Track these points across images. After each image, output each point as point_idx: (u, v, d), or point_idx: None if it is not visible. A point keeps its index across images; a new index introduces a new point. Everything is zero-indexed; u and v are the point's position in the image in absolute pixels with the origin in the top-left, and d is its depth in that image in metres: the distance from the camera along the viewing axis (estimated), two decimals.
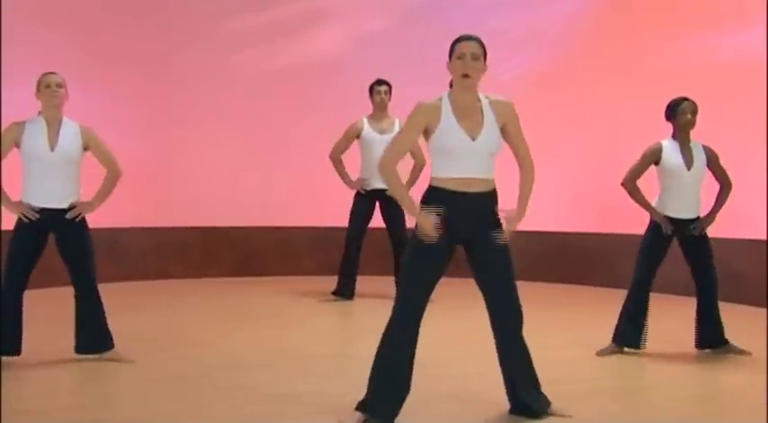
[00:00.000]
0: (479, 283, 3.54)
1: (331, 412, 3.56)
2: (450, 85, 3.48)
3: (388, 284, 6.17)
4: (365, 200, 6.94)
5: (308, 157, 8.20)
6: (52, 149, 4.37)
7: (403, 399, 3.46)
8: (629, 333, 4.96)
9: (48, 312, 5.47)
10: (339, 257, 7.06)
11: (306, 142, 8.39)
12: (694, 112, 4.90)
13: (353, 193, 6.98)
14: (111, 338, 4.62)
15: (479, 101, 3.46)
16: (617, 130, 7.81)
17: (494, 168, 3.48)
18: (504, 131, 3.48)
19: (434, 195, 3.43)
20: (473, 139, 3.38)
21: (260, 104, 8.58)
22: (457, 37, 3.46)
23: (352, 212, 6.99)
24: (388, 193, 6.81)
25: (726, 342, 5.01)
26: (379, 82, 6.99)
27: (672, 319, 5.99)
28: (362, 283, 7.00)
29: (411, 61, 8.50)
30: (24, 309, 4.48)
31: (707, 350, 5.02)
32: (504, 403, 3.67)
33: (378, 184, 6.77)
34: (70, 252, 4.49)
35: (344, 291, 6.96)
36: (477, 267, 3.52)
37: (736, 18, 7.26)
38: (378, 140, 6.76)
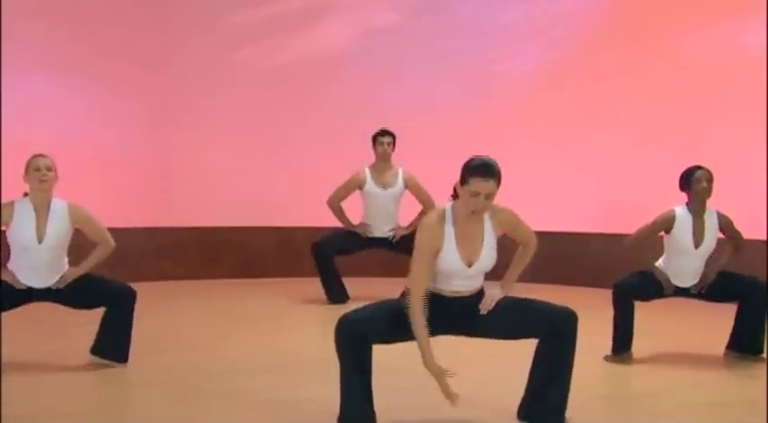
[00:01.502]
0: (509, 338, 3.54)
1: (331, 420, 3.55)
2: (454, 196, 3.43)
3: (390, 286, 6.15)
4: (357, 239, 6.96)
5: (311, 156, 8.21)
6: (40, 242, 4.33)
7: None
8: (626, 339, 4.92)
9: (37, 315, 5.48)
10: (342, 258, 7.05)
11: (308, 140, 8.40)
12: (710, 179, 4.87)
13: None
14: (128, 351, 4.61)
15: (482, 218, 3.44)
16: (631, 128, 7.79)
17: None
18: (507, 232, 3.53)
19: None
20: (469, 266, 3.41)
21: (261, 102, 8.58)
22: (474, 165, 3.33)
23: (336, 236, 6.98)
24: (391, 238, 6.86)
25: (760, 351, 4.92)
26: (383, 133, 6.93)
27: (684, 322, 5.98)
28: (364, 284, 7.00)
29: (416, 57, 8.50)
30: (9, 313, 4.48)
31: (729, 356, 4.98)
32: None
33: (379, 233, 6.86)
34: (85, 300, 4.52)
35: (336, 298, 6.89)
36: (491, 333, 3.53)
37: (758, 10, 7.23)
38: (380, 195, 6.85)
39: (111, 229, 7.70)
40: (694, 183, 4.87)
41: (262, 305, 6.97)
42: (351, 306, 6.80)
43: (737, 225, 5.03)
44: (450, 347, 5.15)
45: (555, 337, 3.42)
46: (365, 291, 7.00)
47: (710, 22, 7.47)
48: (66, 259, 4.51)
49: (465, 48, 8.35)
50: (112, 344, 4.54)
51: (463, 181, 3.35)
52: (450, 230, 3.39)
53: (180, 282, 8.01)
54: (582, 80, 8.12)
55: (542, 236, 8.03)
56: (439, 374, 3.39)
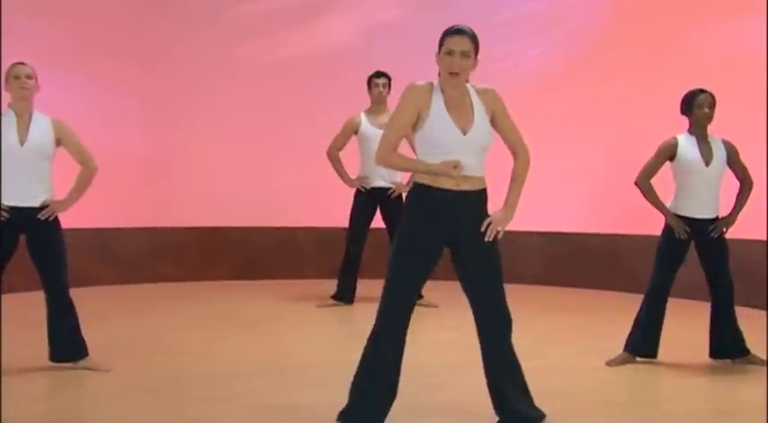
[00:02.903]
0: (464, 287, 3.51)
1: None
2: (440, 75, 3.44)
3: None
4: (366, 198, 6.92)
5: (313, 153, 8.18)
6: (22, 144, 4.36)
7: (389, 405, 3.47)
8: (643, 342, 4.90)
9: (19, 317, 5.49)
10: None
11: (310, 137, 8.36)
12: (712, 104, 4.81)
13: (354, 191, 6.98)
14: (85, 346, 4.58)
15: (467, 92, 3.45)
16: (642, 126, 7.73)
17: (485, 165, 3.47)
18: (492, 120, 3.47)
19: (421, 194, 3.42)
20: (464, 133, 3.36)
21: (262, 100, 8.59)
22: (447, 28, 3.41)
23: (353, 212, 6.99)
24: (390, 193, 6.87)
25: (746, 352, 4.94)
26: (378, 74, 6.97)
27: (690, 326, 5.94)
28: (363, 285, 6.97)
29: (419, 53, 8.41)
30: None
31: (725, 361, 4.96)
32: None
33: (379, 182, 6.78)
34: (41, 253, 4.47)
35: (344, 295, 6.94)
36: (463, 270, 3.49)
37: None
38: (377, 137, 6.68)
39: (108, 230, 7.87)
40: (695, 108, 4.81)
41: (260, 307, 6.98)
42: (354, 310, 6.87)
43: (736, 225, 4.98)
44: (437, 352, 5.16)
45: (488, 338, 3.47)
46: (367, 292, 7.01)
47: (718, 19, 7.44)
48: (50, 179, 4.49)
49: None
50: (65, 345, 4.53)
51: (439, 47, 3.38)
52: (438, 97, 3.39)
53: (179, 283, 8.04)
54: (587, 78, 8.11)
55: (546, 237, 8.19)
56: (439, 166, 3.34)
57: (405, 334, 3.45)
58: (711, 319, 4.97)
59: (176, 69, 8.44)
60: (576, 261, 8.19)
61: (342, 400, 3.69)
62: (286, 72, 8.65)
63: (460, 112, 3.39)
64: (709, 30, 7.52)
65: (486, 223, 3.40)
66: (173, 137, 8.43)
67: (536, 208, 7.76)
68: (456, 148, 3.36)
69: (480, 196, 3.46)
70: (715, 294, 4.95)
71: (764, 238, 6.65)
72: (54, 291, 4.49)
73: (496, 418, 3.61)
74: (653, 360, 4.92)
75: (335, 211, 7.71)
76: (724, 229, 4.91)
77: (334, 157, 6.97)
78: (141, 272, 8.06)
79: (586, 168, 8.10)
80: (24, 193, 4.39)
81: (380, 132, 6.57)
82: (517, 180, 3.52)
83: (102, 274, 7.65)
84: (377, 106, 6.97)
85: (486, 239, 3.39)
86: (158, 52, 8.36)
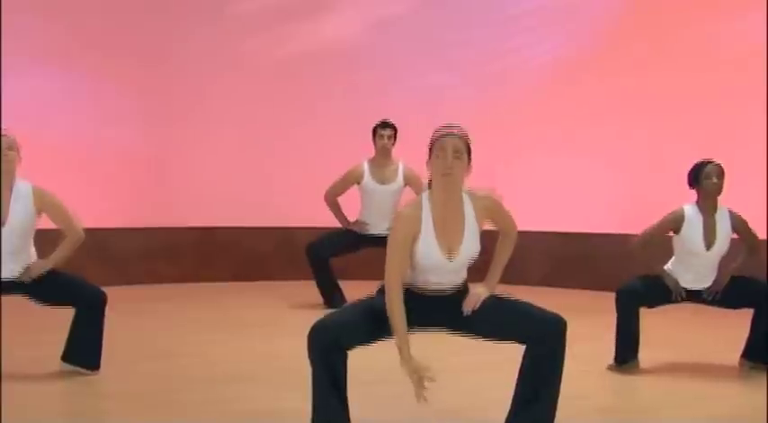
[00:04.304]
0: (495, 340, 3.44)
1: None
2: (430, 185, 3.36)
3: None
4: (359, 238, 6.87)
5: (314, 153, 8.18)
6: (4, 223, 4.30)
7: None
8: (630, 349, 4.82)
9: (17, 320, 5.48)
10: (345, 260, 6.98)
11: (311, 137, 8.37)
12: (720, 175, 4.73)
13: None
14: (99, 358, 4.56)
15: (461, 203, 3.36)
16: (655, 123, 7.67)
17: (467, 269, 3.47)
18: (491, 222, 3.47)
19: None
20: (450, 258, 3.34)
21: (261, 99, 8.58)
22: (437, 130, 3.32)
23: (336, 235, 6.92)
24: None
25: None
26: (384, 125, 6.84)
27: (692, 330, 5.90)
28: (362, 287, 6.88)
29: (424, 50, 8.43)
30: None
31: (726, 365, 4.90)
32: None
33: (377, 231, 6.70)
34: (50, 300, 4.47)
35: (333, 302, 6.73)
36: (476, 333, 3.45)
37: None
38: (378, 191, 6.79)
39: (104, 230, 7.84)
40: (704, 179, 4.73)
41: (256, 309, 6.96)
42: None
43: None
44: (433, 357, 5.10)
45: (542, 345, 3.31)
46: (362, 294, 6.94)
47: (728, 12, 7.37)
48: (32, 249, 4.48)
49: (475, 39, 8.29)
50: (82, 350, 4.50)
51: (430, 152, 3.32)
52: (427, 218, 3.31)
53: (175, 284, 8.02)
54: (600, 72, 8.03)
55: (557, 237, 8.11)
56: (415, 373, 3.31)
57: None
58: (752, 320, 4.86)
59: (176, 67, 8.43)
60: (582, 262, 8.11)
61: None
62: (287, 70, 8.63)
63: (449, 230, 3.33)
64: (719, 25, 7.43)
65: (465, 301, 3.39)
66: (171, 136, 8.41)
67: (541, 207, 7.71)
68: (441, 272, 3.38)
69: (460, 293, 3.44)
70: (759, 303, 4.82)
71: (765, 238, 6.58)
72: (87, 307, 4.47)
73: None
74: (633, 365, 4.83)
75: None
76: (716, 290, 4.83)
77: (331, 202, 6.93)
78: (137, 272, 8.04)
79: (597, 168, 8.01)
80: (5, 269, 4.34)
81: (382, 188, 6.78)
82: (501, 259, 3.55)
83: (98, 274, 7.58)
84: (381, 159, 6.87)
85: (465, 314, 3.38)
86: (158, 50, 8.35)
